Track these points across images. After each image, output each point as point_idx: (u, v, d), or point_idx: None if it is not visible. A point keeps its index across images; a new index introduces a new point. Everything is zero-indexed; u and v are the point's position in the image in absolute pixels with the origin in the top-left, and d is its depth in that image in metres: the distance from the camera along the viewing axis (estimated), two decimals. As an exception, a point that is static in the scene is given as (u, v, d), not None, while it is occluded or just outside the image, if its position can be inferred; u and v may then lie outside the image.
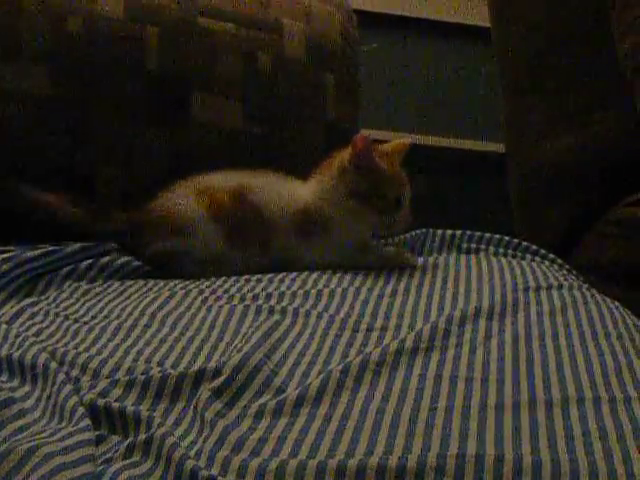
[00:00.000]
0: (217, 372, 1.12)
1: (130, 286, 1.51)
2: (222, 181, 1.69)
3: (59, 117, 1.74)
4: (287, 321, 1.32)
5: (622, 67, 2.00)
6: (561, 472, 0.91)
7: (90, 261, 1.61)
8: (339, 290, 1.48)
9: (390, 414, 1.04)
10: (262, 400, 1.08)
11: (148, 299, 1.41)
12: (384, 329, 1.30)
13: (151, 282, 1.53)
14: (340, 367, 1.14)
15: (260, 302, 1.40)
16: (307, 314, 1.35)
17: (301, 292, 1.46)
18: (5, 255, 1.51)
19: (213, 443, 0.98)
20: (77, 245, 1.63)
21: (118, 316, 1.34)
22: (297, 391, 1.09)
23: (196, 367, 1.14)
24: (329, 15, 1.93)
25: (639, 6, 1.98)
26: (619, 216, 2.01)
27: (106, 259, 1.63)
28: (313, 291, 1.47)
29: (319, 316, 1.34)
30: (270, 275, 1.58)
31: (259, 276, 1.56)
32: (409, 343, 1.22)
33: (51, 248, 1.59)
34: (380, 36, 2.88)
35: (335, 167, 1.66)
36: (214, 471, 0.91)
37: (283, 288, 1.48)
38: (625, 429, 1.01)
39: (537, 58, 2.22)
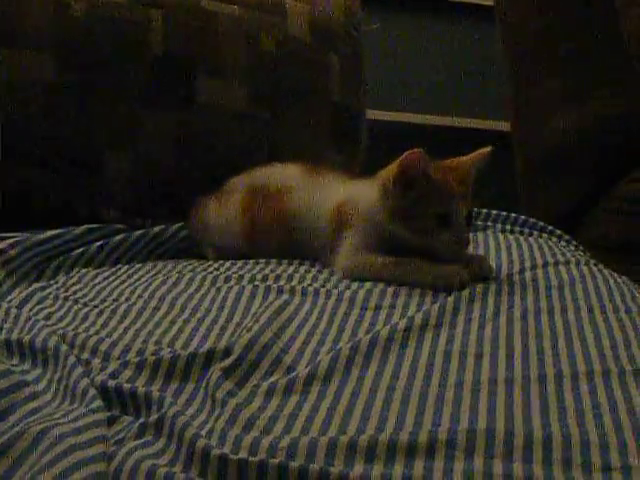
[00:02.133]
0: (227, 352, 1.12)
1: (139, 269, 1.51)
2: (267, 179, 1.66)
3: (65, 103, 1.73)
4: (296, 300, 1.32)
5: (629, 48, 2.00)
6: (572, 445, 0.92)
7: (101, 242, 1.61)
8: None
9: (400, 390, 1.05)
10: (272, 379, 1.08)
11: (157, 282, 1.41)
12: (392, 307, 1.30)
13: (160, 265, 1.54)
14: (349, 345, 1.15)
15: (269, 282, 1.40)
16: (316, 293, 1.35)
17: (309, 274, 1.46)
18: (12, 240, 1.51)
19: (224, 422, 0.98)
20: (84, 227, 1.63)
21: (127, 299, 1.34)
22: (307, 369, 1.09)
23: (206, 347, 1.14)
24: (331, -5, 1.94)
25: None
26: (626, 192, 2.01)
27: (117, 239, 1.62)
28: (323, 272, 1.48)
29: (327, 295, 1.34)
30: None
31: (267, 259, 1.56)
32: (418, 320, 1.22)
33: (59, 231, 1.59)
34: (383, 16, 2.87)
35: (378, 188, 1.49)
36: (226, 449, 0.91)
37: (291, 270, 1.48)
38: (635, 401, 1.02)
39: (540, 36, 2.22)
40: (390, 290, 1.37)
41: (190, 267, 1.50)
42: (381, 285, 1.39)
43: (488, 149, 1.49)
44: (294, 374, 1.08)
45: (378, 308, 1.30)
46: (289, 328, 1.21)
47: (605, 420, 0.98)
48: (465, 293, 1.33)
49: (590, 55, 2.13)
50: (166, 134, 1.77)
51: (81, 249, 1.58)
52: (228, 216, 1.64)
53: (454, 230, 1.42)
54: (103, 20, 1.75)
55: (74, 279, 1.46)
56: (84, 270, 1.52)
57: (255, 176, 1.67)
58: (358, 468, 0.89)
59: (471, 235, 1.55)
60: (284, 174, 1.65)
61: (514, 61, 2.31)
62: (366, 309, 1.30)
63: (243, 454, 0.91)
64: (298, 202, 1.59)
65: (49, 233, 1.57)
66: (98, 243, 1.61)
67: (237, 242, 1.63)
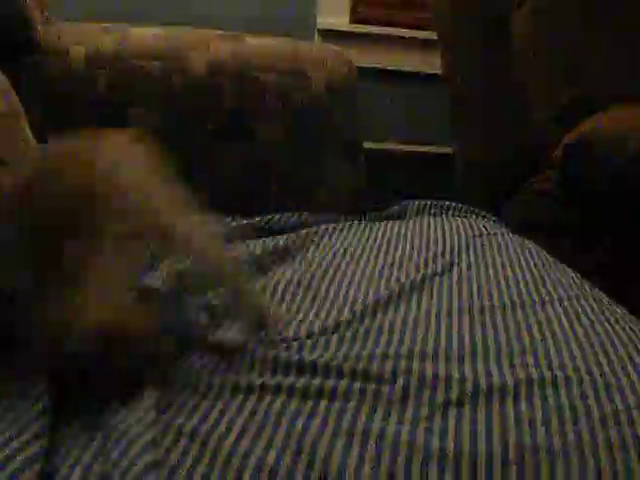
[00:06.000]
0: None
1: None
2: None
3: (167, 140, 1.72)
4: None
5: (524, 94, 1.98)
6: (501, 350, 0.92)
7: None
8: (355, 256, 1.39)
9: (399, 325, 1.00)
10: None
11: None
12: (391, 276, 1.23)
13: None
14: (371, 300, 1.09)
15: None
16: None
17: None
18: None
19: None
20: None
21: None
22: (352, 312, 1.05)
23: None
24: (338, 67, 1.91)
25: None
26: (528, 189, 2.01)
27: None
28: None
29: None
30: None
31: None
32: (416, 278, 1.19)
33: None
34: (369, 81, 2.87)
35: None
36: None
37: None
38: (541, 319, 1.02)
39: (463, 102, 2.23)
40: (390, 257, 1.33)
41: None
42: (384, 252, 1.36)
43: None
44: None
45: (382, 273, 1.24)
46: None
47: (522, 332, 0.98)
48: (438, 252, 1.32)
49: (493, 108, 2.12)
50: (236, 158, 1.76)
51: None
52: None
53: None
54: (192, 86, 1.73)
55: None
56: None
57: None
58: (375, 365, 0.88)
59: (432, 218, 1.57)
60: None
61: (453, 112, 2.31)
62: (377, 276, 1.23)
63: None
64: None
65: None
66: None
67: None
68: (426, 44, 2.89)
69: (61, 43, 1.69)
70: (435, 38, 2.32)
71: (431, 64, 2.83)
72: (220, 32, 1.87)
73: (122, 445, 0.72)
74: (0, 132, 1.04)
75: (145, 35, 1.78)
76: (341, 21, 2.95)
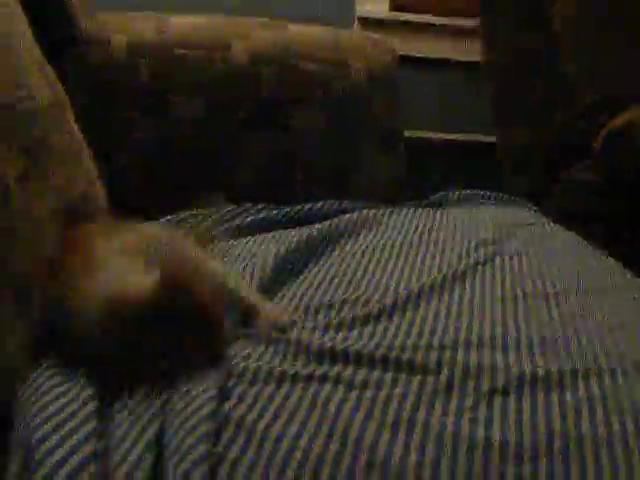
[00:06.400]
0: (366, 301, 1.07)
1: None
2: None
3: (208, 128, 1.74)
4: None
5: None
6: (546, 342, 0.92)
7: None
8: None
9: (443, 314, 1.01)
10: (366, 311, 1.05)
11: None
12: (433, 265, 1.23)
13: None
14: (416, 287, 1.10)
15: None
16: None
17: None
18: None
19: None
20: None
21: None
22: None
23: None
24: (378, 55, 1.91)
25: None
26: (567, 178, 2.01)
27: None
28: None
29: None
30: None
31: None
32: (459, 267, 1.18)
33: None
34: (409, 69, 2.85)
35: None
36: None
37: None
38: (586, 309, 1.03)
39: (505, 91, 2.22)
40: (432, 243, 1.34)
41: None
42: (423, 238, 1.37)
43: None
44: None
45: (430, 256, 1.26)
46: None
47: (577, 322, 0.97)
48: (480, 240, 1.31)
49: (541, 102, 2.12)
50: (271, 145, 1.77)
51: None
52: None
53: None
54: (233, 75, 1.74)
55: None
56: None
57: None
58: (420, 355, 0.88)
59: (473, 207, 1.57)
60: None
61: (495, 101, 2.30)
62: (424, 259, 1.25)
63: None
64: None
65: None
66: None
67: None
68: (467, 32, 2.86)
69: (103, 33, 1.71)
70: (477, 25, 2.30)
71: (472, 52, 2.81)
72: (261, 20, 1.88)
73: (179, 436, 0.73)
74: (47, 122, 1.06)
75: (186, 24, 1.79)
76: (380, 8, 2.94)
